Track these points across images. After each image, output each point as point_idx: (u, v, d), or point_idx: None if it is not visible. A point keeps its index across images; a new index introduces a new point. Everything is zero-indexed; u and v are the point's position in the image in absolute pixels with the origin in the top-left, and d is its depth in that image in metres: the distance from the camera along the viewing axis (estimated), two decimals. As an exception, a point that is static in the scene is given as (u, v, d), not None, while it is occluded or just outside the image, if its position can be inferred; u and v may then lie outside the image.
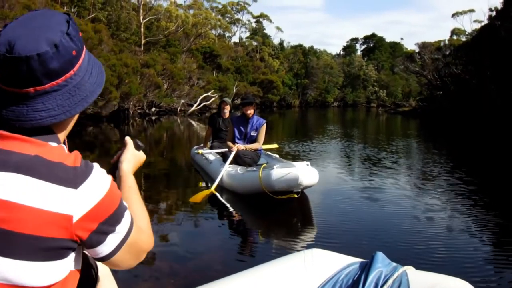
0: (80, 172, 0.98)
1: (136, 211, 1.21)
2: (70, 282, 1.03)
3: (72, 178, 0.96)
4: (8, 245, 0.91)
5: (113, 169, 1.40)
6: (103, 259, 1.06)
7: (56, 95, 1.01)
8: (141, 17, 38.69)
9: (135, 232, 1.11)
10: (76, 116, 1.14)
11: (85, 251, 1.14)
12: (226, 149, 7.19)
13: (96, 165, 1.04)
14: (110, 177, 1.05)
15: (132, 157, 1.39)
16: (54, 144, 1.02)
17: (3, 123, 0.99)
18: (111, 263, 1.09)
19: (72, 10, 32.76)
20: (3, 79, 0.99)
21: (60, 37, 0.98)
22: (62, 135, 1.10)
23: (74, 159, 1.00)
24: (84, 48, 1.09)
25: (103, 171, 1.05)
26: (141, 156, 1.44)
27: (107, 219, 1.01)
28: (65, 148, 1.05)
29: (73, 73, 1.03)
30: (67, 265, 0.99)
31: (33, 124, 0.99)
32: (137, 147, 1.43)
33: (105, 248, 1.03)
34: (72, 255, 1.00)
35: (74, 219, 0.95)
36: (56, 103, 1.01)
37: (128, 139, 1.42)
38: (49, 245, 0.93)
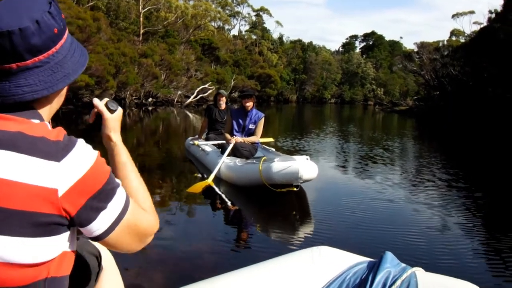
0: (63, 145, 0.98)
1: (135, 190, 1.20)
2: (64, 263, 1.03)
3: (54, 152, 0.96)
4: None
5: (94, 128, 1.34)
6: (97, 238, 1.04)
7: (38, 71, 1.03)
8: (140, 7, 38.48)
9: (133, 212, 1.09)
10: (62, 98, 1.17)
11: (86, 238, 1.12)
12: (223, 141, 7.14)
13: (80, 140, 1.04)
14: (96, 152, 1.04)
15: (114, 123, 1.33)
16: (36, 121, 1.03)
17: None
18: (108, 243, 1.07)
19: (71, -4, 32.52)
20: None
21: (42, 15, 1.01)
22: (45, 113, 1.10)
23: (56, 133, 1.01)
24: (67, 30, 1.12)
25: (88, 146, 1.04)
26: (119, 115, 1.36)
27: (96, 194, 0.99)
28: (49, 125, 1.05)
29: (55, 50, 1.05)
30: (59, 244, 0.99)
31: (15, 99, 1.01)
32: (111, 110, 1.33)
33: (97, 226, 1.02)
34: (64, 234, 0.99)
35: (60, 193, 0.94)
36: (38, 79, 1.03)
37: (97, 103, 1.33)
38: (37, 220, 0.93)
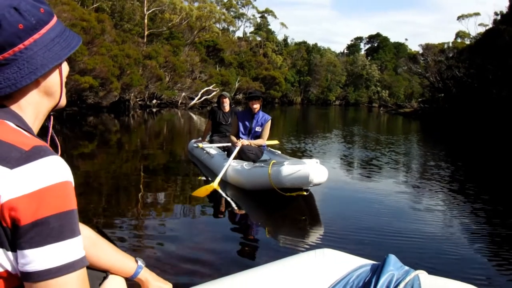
0: (26, 155, 0.90)
1: None
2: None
3: (12, 159, 0.89)
4: None
5: None
6: (28, 277, 0.88)
7: (4, 69, 0.98)
8: (145, 8, 38.49)
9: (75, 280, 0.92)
10: (53, 97, 1.10)
11: None
12: (228, 144, 7.07)
13: (54, 157, 0.94)
14: (66, 175, 0.94)
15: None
16: (11, 124, 0.98)
17: None
18: None
19: (76, -2, 32.59)
20: None
21: (4, 11, 0.96)
22: (29, 113, 1.05)
23: (29, 142, 0.94)
24: (50, 25, 1.05)
25: (61, 167, 0.94)
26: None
27: (44, 220, 0.87)
28: (24, 132, 0.99)
29: (23, 47, 0.99)
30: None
31: None
32: None
33: (32, 259, 0.87)
34: (4, 249, 0.89)
35: (2, 199, 0.86)
36: (3, 77, 0.98)
37: None
38: None
